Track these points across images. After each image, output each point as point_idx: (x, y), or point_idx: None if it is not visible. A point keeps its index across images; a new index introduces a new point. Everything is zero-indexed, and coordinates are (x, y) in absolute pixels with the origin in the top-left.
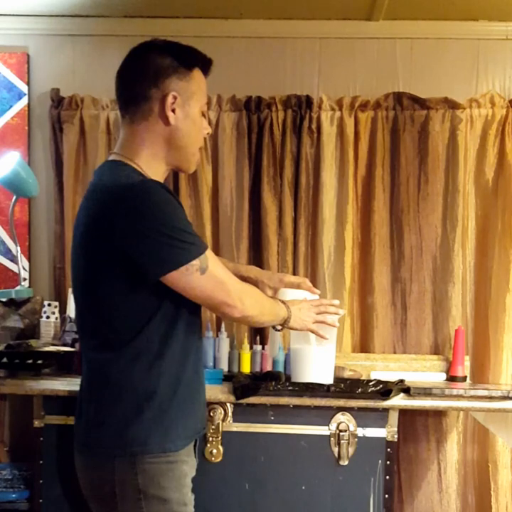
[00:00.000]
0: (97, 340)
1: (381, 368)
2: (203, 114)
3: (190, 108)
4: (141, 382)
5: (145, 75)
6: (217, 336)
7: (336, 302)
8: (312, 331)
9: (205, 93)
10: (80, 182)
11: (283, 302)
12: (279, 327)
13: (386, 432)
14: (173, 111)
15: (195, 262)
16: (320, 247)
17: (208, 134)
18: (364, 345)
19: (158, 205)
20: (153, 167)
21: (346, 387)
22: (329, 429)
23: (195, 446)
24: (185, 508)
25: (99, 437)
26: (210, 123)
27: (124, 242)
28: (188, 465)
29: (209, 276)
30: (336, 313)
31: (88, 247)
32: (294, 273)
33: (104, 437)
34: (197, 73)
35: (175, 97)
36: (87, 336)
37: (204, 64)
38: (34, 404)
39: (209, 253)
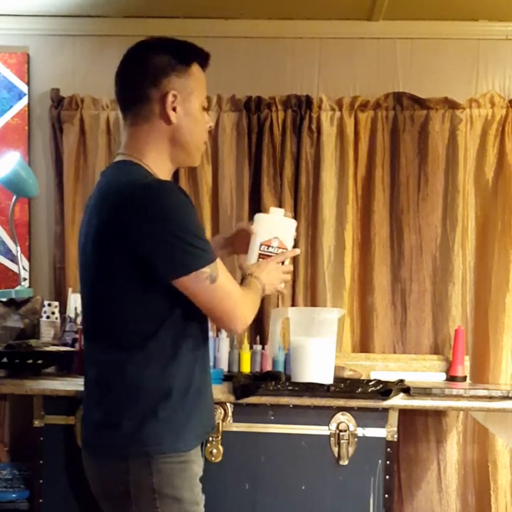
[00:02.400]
0: (110, 341)
1: (381, 368)
2: (204, 108)
3: (191, 104)
4: (155, 384)
5: (143, 76)
6: (217, 335)
7: (297, 251)
8: (280, 292)
9: (204, 87)
10: (80, 182)
11: (254, 276)
12: None
13: (386, 431)
14: (174, 109)
15: (206, 270)
16: (320, 247)
17: (210, 127)
18: (364, 345)
19: (175, 208)
20: (160, 166)
21: (346, 387)
22: (329, 429)
23: (201, 446)
24: (198, 507)
25: (113, 438)
26: None
27: (138, 243)
28: (197, 465)
29: (218, 286)
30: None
31: (102, 247)
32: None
33: (118, 438)
34: (195, 68)
35: (175, 96)
36: (98, 338)
37: (202, 58)
38: (34, 404)
39: (219, 262)
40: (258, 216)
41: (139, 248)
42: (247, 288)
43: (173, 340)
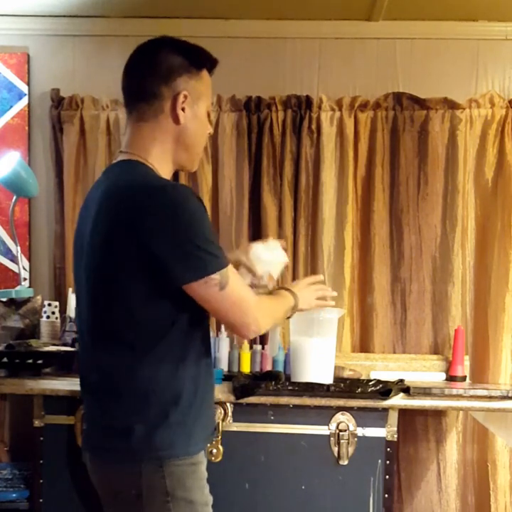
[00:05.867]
0: (117, 344)
1: (381, 368)
2: (208, 114)
3: (198, 108)
4: (166, 387)
5: (156, 72)
6: (217, 335)
7: (334, 294)
8: (319, 306)
9: (211, 94)
10: (80, 182)
11: (288, 289)
12: (289, 314)
13: (386, 431)
14: (183, 110)
15: (216, 276)
16: (320, 247)
17: (209, 133)
18: (364, 345)
19: (190, 213)
20: (163, 166)
21: (346, 386)
22: (329, 429)
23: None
24: (207, 508)
25: (124, 443)
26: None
27: (152, 246)
28: (204, 466)
29: (228, 293)
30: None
31: (113, 249)
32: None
33: (130, 443)
34: (205, 74)
35: (185, 96)
36: (103, 340)
37: (212, 64)
38: (34, 404)
39: (230, 269)
40: (256, 250)
41: (152, 251)
42: (269, 297)
43: (182, 342)
